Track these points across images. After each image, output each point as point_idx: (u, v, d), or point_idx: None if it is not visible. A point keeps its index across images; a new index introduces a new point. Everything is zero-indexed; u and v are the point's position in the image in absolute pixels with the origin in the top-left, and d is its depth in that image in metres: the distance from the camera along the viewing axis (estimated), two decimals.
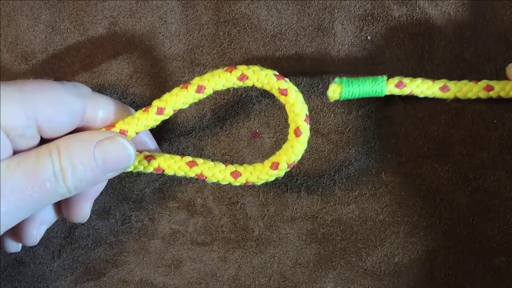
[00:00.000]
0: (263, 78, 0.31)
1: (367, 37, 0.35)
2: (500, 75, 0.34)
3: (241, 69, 0.32)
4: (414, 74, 0.35)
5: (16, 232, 0.33)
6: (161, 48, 0.36)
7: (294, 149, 0.32)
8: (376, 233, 0.37)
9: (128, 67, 0.36)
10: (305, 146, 0.32)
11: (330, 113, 0.36)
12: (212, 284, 0.38)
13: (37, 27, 0.36)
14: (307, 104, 0.32)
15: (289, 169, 0.32)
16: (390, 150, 0.36)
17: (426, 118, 0.35)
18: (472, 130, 0.35)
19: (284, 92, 0.31)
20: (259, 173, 0.33)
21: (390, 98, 0.35)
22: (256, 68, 0.32)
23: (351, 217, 0.36)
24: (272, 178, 0.33)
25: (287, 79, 0.32)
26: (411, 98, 0.35)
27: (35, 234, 0.33)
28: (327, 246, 0.37)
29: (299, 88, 0.32)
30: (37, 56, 0.36)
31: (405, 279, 0.37)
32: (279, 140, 0.36)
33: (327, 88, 0.33)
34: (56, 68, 0.36)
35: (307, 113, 0.32)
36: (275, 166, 0.32)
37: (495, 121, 0.35)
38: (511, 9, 0.34)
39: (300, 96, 0.32)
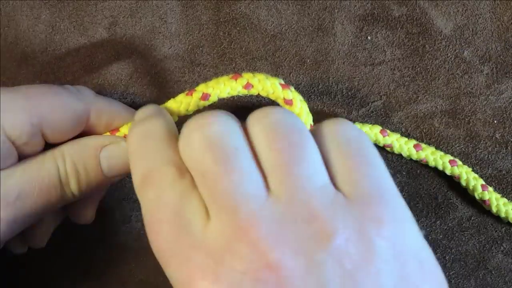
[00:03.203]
0: (268, 87, 0.31)
1: (367, 37, 0.35)
2: (500, 75, 0.34)
3: (247, 77, 0.31)
4: (414, 74, 0.35)
5: (24, 235, 0.33)
6: (161, 48, 0.36)
7: None
8: None
9: (128, 67, 0.36)
10: None
11: (330, 113, 0.36)
12: None
13: (37, 27, 0.36)
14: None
15: None
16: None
17: (426, 118, 0.35)
18: (472, 130, 0.35)
19: (289, 102, 0.31)
20: None
21: (390, 100, 0.35)
22: (261, 76, 0.31)
23: None
24: None
25: (292, 88, 0.32)
26: (411, 99, 0.35)
27: (43, 237, 0.33)
28: None
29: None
30: (37, 56, 0.36)
31: None
32: None
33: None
34: (56, 68, 0.36)
35: (312, 123, 0.32)
36: None
37: (495, 121, 0.35)
38: (511, 9, 0.34)
39: (305, 106, 0.32)
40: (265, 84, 0.31)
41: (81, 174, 0.30)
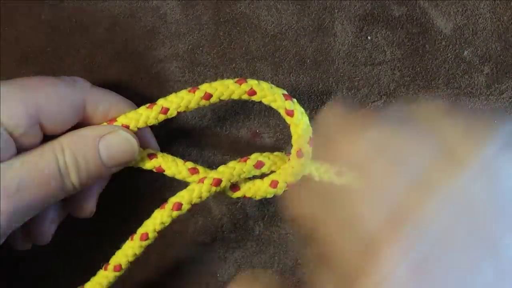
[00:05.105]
0: (271, 96, 0.31)
1: (367, 37, 0.35)
2: (500, 75, 0.34)
3: (251, 83, 0.31)
4: (414, 74, 0.35)
5: (28, 232, 0.33)
6: (161, 48, 0.36)
7: (295, 170, 0.32)
8: None
9: (128, 67, 0.36)
10: (306, 167, 0.32)
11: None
12: (212, 284, 0.38)
13: (37, 27, 0.36)
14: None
15: (287, 188, 0.32)
16: None
17: None
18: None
19: (290, 113, 0.31)
20: (257, 189, 0.33)
21: (390, 100, 0.35)
22: (266, 85, 0.31)
23: None
24: (270, 195, 0.33)
25: (295, 100, 0.32)
26: (411, 99, 0.35)
27: (47, 233, 0.34)
28: (327, 246, 0.37)
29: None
30: (37, 56, 0.36)
31: None
32: (279, 140, 0.36)
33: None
34: (56, 68, 0.36)
35: (311, 136, 0.32)
36: (274, 184, 0.32)
37: (495, 121, 0.35)
38: (511, 9, 0.34)
39: (306, 118, 0.32)
40: (269, 93, 0.31)
41: (81, 165, 0.30)
